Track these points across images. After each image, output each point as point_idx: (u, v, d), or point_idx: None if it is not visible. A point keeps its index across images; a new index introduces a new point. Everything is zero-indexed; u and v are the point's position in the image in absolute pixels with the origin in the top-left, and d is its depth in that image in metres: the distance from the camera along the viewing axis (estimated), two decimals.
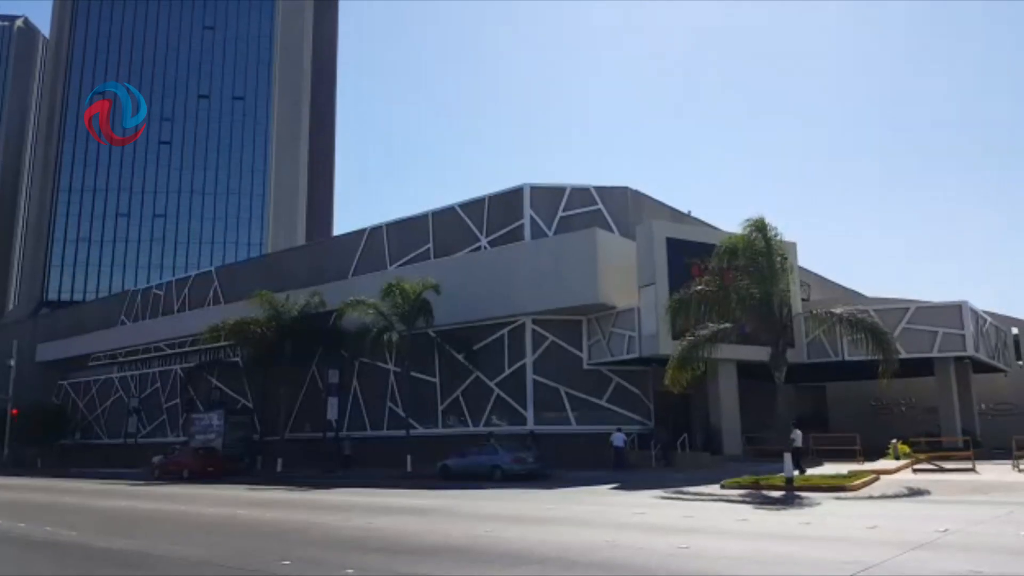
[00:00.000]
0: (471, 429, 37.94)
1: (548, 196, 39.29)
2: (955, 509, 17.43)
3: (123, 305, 63.90)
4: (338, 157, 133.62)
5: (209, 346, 50.69)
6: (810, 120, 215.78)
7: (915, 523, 15.01)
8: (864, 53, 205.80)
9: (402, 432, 38.20)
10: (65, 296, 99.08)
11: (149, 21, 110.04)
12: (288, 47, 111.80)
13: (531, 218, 38.80)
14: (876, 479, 25.00)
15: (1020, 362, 45.62)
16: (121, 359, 61.98)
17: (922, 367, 37.32)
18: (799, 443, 27.95)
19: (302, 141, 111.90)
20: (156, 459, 44.90)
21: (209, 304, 54.35)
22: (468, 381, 38.93)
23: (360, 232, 46.69)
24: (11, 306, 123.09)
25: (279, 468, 41.62)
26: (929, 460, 30.50)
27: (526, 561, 12.00)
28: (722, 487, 23.77)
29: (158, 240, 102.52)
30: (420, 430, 38.88)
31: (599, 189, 39.63)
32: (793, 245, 33.41)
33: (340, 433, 42.08)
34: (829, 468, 28.32)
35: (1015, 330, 45.76)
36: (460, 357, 38.69)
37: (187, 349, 55.56)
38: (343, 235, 51.80)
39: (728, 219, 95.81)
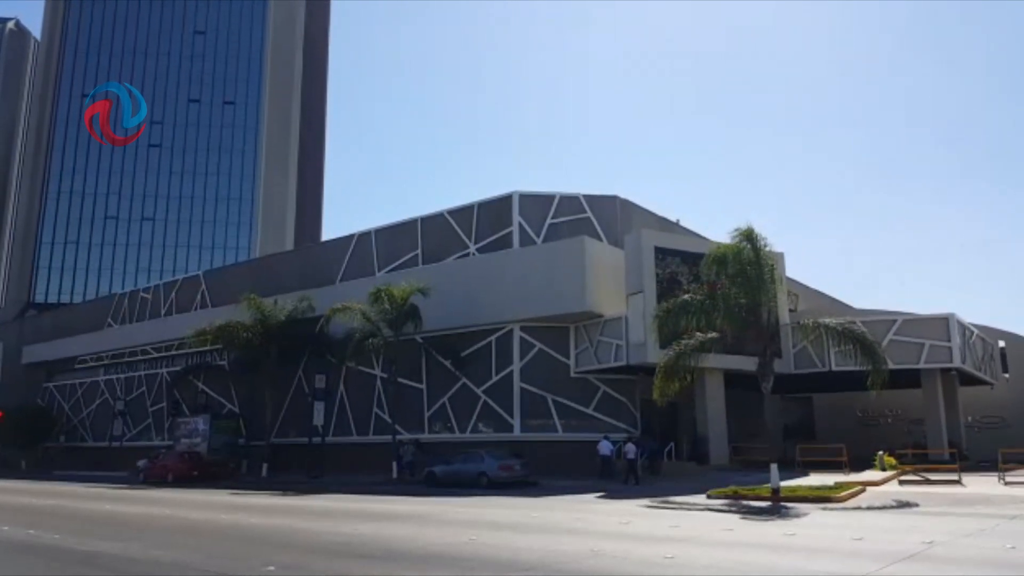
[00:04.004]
0: (457, 436, 37.89)
1: (537, 204, 39.31)
2: (941, 521, 17.45)
3: (110, 308, 63.49)
4: (328, 163, 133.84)
5: (196, 350, 50.60)
6: (797, 130, 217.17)
7: (901, 535, 15.02)
8: (851, 62, 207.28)
9: (388, 438, 38.10)
10: (52, 298, 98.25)
11: (140, 24, 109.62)
12: (279, 52, 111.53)
13: (520, 225, 38.76)
14: (862, 490, 25.04)
15: (1006, 375, 45.83)
16: (107, 362, 61.61)
17: (909, 379, 37.46)
18: (632, 455, 28.26)
19: (292, 146, 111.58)
20: (141, 463, 44.71)
21: (197, 308, 54.07)
22: (455, 388, 38.82)
23: (349, 237, 46.54)
24: None
25: (264, 473, 41.48)
26: (915, 472, 30.54)
27: (510, 568, 11.96)
28: (708, 497, 23.74)
29: (146, 243, 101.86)
30: (406, 436, 38.75)
31: (588, 197, 39.69)
32: (781, 255, 33.53)
33: (397, 437, 38.35)
34: (815, 479, 28.37)
35: (1001, 343, 46.01)
36: (447, 364, 38.59)
37: (174, 353, 55.31)
38: (332, 240, 51.59)
39: (716, 229, 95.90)
